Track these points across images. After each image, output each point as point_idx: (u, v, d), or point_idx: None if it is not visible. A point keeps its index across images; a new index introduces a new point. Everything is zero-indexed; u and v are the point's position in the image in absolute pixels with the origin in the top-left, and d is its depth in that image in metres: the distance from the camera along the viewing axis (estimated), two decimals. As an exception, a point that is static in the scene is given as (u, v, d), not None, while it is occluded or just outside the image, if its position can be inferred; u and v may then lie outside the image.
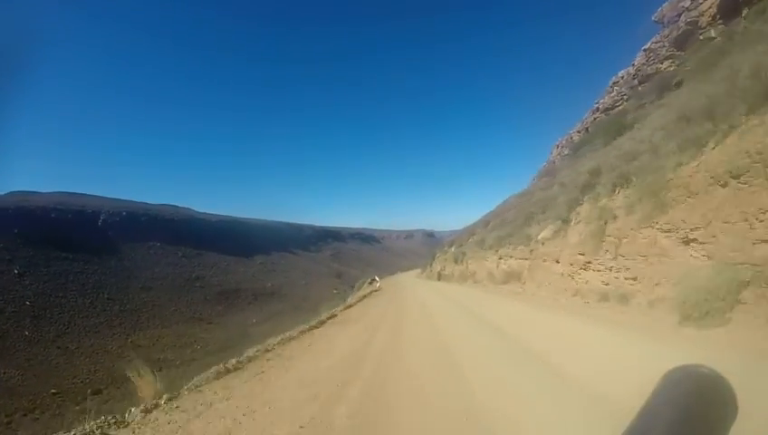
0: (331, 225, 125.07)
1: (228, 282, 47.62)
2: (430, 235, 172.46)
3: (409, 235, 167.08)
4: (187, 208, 64.19)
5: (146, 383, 5.62)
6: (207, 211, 70.80)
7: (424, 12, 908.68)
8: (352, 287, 54.67)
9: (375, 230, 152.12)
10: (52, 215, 42.78)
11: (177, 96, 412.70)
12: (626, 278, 7.63)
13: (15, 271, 33.98)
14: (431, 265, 42.01)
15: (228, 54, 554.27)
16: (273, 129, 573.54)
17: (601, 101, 25.82)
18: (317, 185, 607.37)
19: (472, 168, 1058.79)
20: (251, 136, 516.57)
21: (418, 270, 57.52)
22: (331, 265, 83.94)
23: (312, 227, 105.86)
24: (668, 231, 6.64)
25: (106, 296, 35.49)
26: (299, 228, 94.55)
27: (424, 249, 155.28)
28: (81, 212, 46.41)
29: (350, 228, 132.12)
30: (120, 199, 54.74)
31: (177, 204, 67.48)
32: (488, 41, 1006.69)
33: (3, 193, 46.19)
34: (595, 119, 24.16)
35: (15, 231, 37.83)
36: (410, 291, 24.23)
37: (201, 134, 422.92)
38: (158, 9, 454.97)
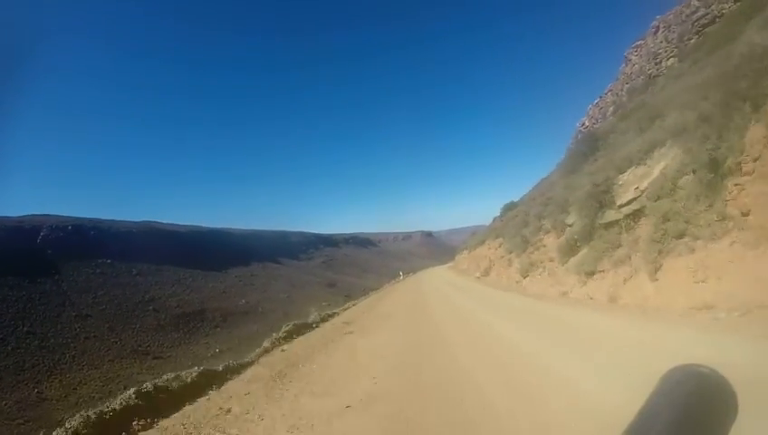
0: (325, 232, 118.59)
1: (191, 302, 40.75)
2: (429, 235, 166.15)
3: (407, 236, 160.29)
4: (154, 221, 57.24)
5: None
6: (180, 223, 64.10)
7: (404, 15, 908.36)
8: (347, 296, 47.74)
9: (371, 233, 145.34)
10: (-25, 235, 36.20)
11: (148, 106, 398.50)
12: None
13: None
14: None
15: (197, 62, 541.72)
16: (260, 137, 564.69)
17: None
18: (307, 192, 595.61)
19: (470, 164, 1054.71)
20: (235, 145, 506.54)
21: (441, 268, 39.40)
22: (323, 273, 77.07)
23: (302, 234, 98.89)
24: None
25: (25, 330, 28.68)
26: (284, 235, 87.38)
27: (423, 250, 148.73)
28: (17, 229, 39.73)
29: (345, 234, 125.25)
30: (72, 217, 47.31)
31: (159, 220, 59.97)
32: (477, 36, 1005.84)
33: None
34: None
35: None
36: None
37: (184, 146, 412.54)
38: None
